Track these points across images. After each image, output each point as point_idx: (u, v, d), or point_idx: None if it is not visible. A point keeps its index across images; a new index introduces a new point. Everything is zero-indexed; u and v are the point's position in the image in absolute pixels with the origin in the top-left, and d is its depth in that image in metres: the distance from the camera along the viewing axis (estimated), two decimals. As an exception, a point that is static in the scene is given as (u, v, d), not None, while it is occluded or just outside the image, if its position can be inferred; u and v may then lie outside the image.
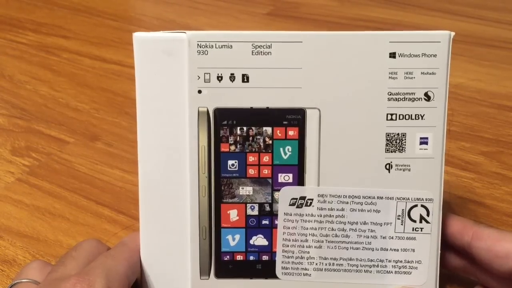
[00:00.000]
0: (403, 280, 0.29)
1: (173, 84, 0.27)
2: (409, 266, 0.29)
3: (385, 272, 0.29)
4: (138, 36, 0.28)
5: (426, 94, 0.28)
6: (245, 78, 0.27)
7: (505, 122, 0.48)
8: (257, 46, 0.27)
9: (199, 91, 0.27)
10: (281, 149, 0.28)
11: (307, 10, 0.73)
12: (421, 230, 0.28)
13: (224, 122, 0.27)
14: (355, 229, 0.28)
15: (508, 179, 0.41)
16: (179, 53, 0.27)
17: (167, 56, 0.27)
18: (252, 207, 0.28)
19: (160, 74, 0.27)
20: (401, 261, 0.29)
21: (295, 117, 0.28)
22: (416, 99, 0.28)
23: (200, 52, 0.27)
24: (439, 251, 0.28)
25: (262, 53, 0.27)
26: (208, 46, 0.27)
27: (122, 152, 0.45)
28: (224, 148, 0.28)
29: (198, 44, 0.27)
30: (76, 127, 0.49)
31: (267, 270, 0.29)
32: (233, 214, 0.28)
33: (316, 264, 0.29)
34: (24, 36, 0.67)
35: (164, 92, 0.28)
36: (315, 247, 0.29)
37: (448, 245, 0.29)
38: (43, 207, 0.39)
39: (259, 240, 0.29)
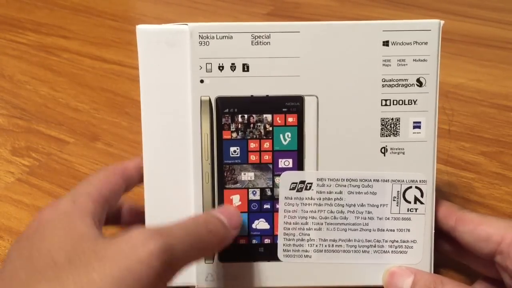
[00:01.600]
0: (400, 259, 0.30)
1: (175, 74, 0.28)
2: (405, 245, 0.30)
3: (382, 252, 0.30)
4: (141, 28, 0.28)
5: (418, 80, 0.29)
6: (245, 67, 0.28)
7: (505, 122, 0.48)
8: (256, 37, 0.28)
9: (201, 81, 0.28)
10: (281, 135, 0.29)
11: (307, 10, 0.73)
12: (416, 211, 0.29)
13: (226, 110, 0.28)
14: (353, 211, 0.30)
15: (508, 179, 0.41)
16: (181, 44, 0.28)
17: (169, 47, 0.28)
18: (254, 192, 0.29)
19: (163, 65, 0.28)
20: (397, 241, 0.30)
21: (294, 104, 0.29)
22: (409, 85, 0.29)
23: (201, 43, 0.27)
24: (433, 231, 0.29)
25: (261, 43, 0.28)
26: (209, 37, 0.27)
27: (122, 152, 0.45)
28: (226, 135, 0.29)
29: (199, 35, 0.27)
30: (76, 127, 0.49)
31: (269, 253, 0.30)
32: (236, 199, 0.29)
33: (316, 246, 0.30)
34: (24, 36, 0.67)
35: (167, 82, 0.28)
36: (315, 229, 0.30)
37: (436, 230, 0.30)
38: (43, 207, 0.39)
39: (261, 224, 0.30)
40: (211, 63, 0.28)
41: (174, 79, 0.28)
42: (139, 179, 0.30)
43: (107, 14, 0.74)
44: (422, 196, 0.29)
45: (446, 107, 0.50)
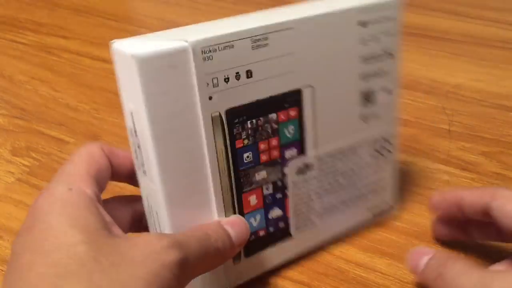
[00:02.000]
0: (376, 198, 0.36)
1: (182, 95, 0.26)
2: (381, 187, 0.36)
3: (365, 198, 0.35)
4: (140, 57, 0.24)
5: (389, 53, 0.33)
6: (249, 74, 0.28)
7: (505, 122, 0.48)
8: (255, 40, 0.27)
9: (210, 98, 0.27)
10: (285, 130, 0.30)
11: (307, 10, 0.73)
12: (387, 158, 0.35)
13: (236, 120, 0.28)
14: (344, 175, 0.34)
15: (508, 179, 0.41)
16: (184, 64, 0.26)
17: (172, 69, 0.25)
18: (267, 188, 0.31)
19: (169, 89, 0.26)
20: (374, 184, 0.36)
21: (294, 99, 0.30)
22: (383, 59, 0.32)
23: (205, 58, 0.26)
24: (397, 173, 0.37)
25: (261, 46, 0.28)
26: (212, 51, 0.26)
27: (122, 152, 0.45)
28: (239, 144, 0.29)
29: (202, 51, 0.26)
30: (76, 127, 0.49)
31: (284, 233, 0.33)
32: (253, 199, 0.30)
33: (319, 213, 0.34)
34: (24, 36, 0.67)
35: (175, 106, 0.26)
36: (317, 201, 0.33)
37: (469, 218, 0.31)
38: (43, 207, 0.39)
39: (275, 212, 0.32)
40: (217, 77, 0.27)
41: (181, 101, 0.26)
42: (127, 174, 0.29)
43: (107, 14, 0.74)
44: (390, 145, 0.35)
45: (446, 107, 0.50)
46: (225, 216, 0.29)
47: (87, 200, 0.24)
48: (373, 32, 0.31)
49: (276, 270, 0.33)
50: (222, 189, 0.29)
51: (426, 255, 0.29)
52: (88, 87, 0.56)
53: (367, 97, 0.33)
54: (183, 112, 0.26)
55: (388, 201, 0.37)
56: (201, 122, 0.27)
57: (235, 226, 0.28)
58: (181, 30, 0.27)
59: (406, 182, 0.41)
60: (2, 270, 0.34)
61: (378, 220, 0.37)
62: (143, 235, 0.24)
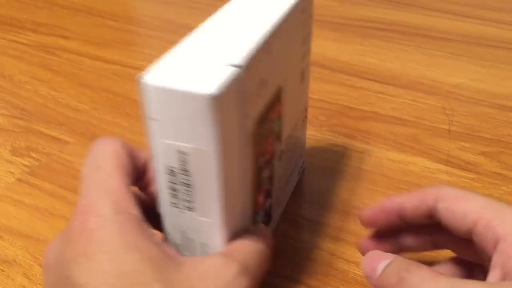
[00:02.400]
0: (300, 160, 0.40)
1: (240, 124, 0.24)
2: (302, 150, 0.40)
3: (297, 162, 0.39)
4: (211, 94, 0.20)
5: (310, 31, 0.35)
6: (263, 83, 0.27)
7: (505, 122, 0.48)
8: (265, 52, 0.26)
9: (246, 115, 0.25)
10: (276, 126, 0.31)
11: (307, 10, 0.73)
12: (305, 124, 0.40)
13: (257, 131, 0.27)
14: (293, 149, 0.37)
15: (508, 179, 0.41)
16: (239, 91, 0.23)
17: (234, 100, 0.23)
18: (267, 183, 0.31)
19: (232, 122, 0.23)
20: (301, 149, 0.40)
21: (278, 96, 0.30)
22: (308, 37, 0.35)
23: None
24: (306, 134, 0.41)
25: (266, 55, 0.27)
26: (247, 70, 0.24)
27: (122, 152, 0.45)
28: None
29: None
30: (76, 127, 0.49)
31: (267, 219, 0.34)
32: (261, 199, 0.30)
33: (283, 189, 0.36)
34: (24, 36, 0.67)
35: (235, 137, 0.24)
36: (282, 180, 0.35)
37: (410, 223, 0.29)
38: (43, 207, 0.39)
39: (268, 202, 0.32)
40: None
41: (240, 131, 0.24)
42: (142, 175, 0.28)
43: (107, 14, 0.74)
44: (306, 110, 0.39)
45: (446, 107, 0.50)
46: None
47: (140, 225, 0.23)
48: (306, 15, 0.33)
49: (276, 270, 0.33)
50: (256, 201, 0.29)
51: (385, 259, 0.26)
52: (88, 87, 0.56)
53: (302, 76, 0.35)
54: (240, 140, 0.24)
55: (304, 159, 0.41)
56: (249, 144, 0.25)
57: (266, 237, 0.27)
58: (191, 47, 0.25)
59: (406, 183, 0.41)
60: (2, 270, 0.34)
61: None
62: (208, 260, 0.23)
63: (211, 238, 0.26)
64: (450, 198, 0.27)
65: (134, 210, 0.23)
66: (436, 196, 0.27)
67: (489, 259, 0.25)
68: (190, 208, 0.25)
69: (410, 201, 0.29)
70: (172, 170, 0.24)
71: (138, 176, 0.27)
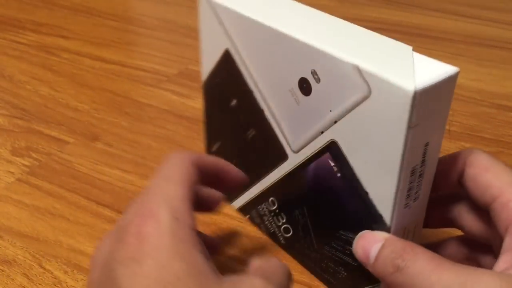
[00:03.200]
0: None
1: None
2: None
3: None
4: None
5: None
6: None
7: (505, 122, 0.48)
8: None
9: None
10: None
11: (307, 10, 0.73)
12: None
13: None
14: None
15: (508, 179, 0.41)
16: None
17: None
18: None
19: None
20: None
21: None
22: None
23: None
24: None
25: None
26: None
27: (122, 152, 0.45)
28: None
29: None
30: (76, 127, 0.49)
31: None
32: None
33: None
34: (24, 36, 0.67)
35: None
36: None
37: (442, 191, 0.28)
38: (43, 207, 0.39)
39: None
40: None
41: None
42: (216, 179, 0.28)
43: (107, 14, 0.74)
44: None
45: (446, 107, 0.50)
46: None
47: (194, 237, 0.23)
48: None
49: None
50: None
51: (376, 242, 0.24)
52: (88, 87, 0.56)
53: None
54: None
55: None
56: None
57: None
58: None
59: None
60: (2, 270, 0.34)
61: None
62: (248, 280, 0.22)
63: (419, 224, 0.27)
64: (478, 165, 0.25)
65: (191, 220, 0.23)
66: (467, 160, 0.26)
67: (499, 239, 0.24)
68: (415, 199, 0.25)
69: (445, 162, 0.27)
70: (414, 170, 0.24)
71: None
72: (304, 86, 0.26)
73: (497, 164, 0.25)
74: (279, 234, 0.34)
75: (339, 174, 0.27)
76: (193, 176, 0.25)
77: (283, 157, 0.30)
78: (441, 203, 0.28)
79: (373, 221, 0.26)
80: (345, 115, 0.25)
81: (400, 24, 0.69)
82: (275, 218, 0.34)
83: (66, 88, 0.55)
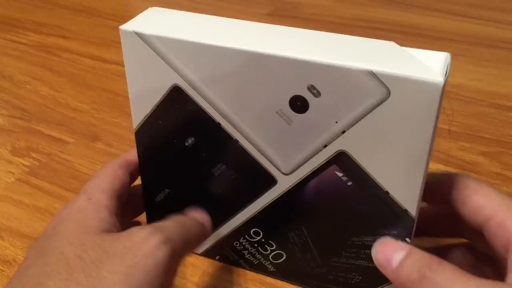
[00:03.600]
0: None
1: None
2: None
3: None
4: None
5: None
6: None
7: (505, 122, 0.48)
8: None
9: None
10: None
11: (307, 10, 0.73)
12: None
13: None
14: None
15: (508, 179, 0.41)
16: None
17: None
18: None
19: None
20: None
21: None
22: None
23: None
24: None
25: None
26: None
27: (122, 152, 0.45)
28: None
29: None
30: (76, 127, 0.49)
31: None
32: None
33: None
34: (24, 36, 0.67)
35: None
36: None
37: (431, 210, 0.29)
38: (43, 207, 0.39)
39: None
40: None
41: None
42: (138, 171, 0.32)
43: (107, 14, 0.74)
44: None
45: (446, 107, 0.50)
46: None
47: (101, 208, 0.26)
48: None
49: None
50: None
51: (400, 250, 0.25)
52: (88, 87, 0.56)
53: None
54: None
55: None
56: None
57: (197, 215, 0.30)
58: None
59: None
60: (2, 270, 0.34)
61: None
62: (140, 230, 0.25)
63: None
64: (467, 187, 0.26)
65: (107, 201, 0.27)
66: (454, 183, 0.27)
67: (500, 256, 0.25)
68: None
69: (434, 182, 0.27)
70: (429, 157, 0.25)
71: (135, 171, 0.32)
72: (298, 104, 0.25)
73: (485, 186, 0.26)
74: (267, 263, 0.33)
75: (349, 183, 0.27)
76: (119, 172, 0.30)
77: (270, 182, 0.29)
78: (441, 216, 0.30)
79: (396, 217, 0.26)
80: (356, 123, 0.24)
81: (400, 24, 0.69)
82: (259, 248, 0.32)
83: (66, 88, 0.55)
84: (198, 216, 0.30)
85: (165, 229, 0.25)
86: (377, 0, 0.77)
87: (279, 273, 0.33)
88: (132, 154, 0.31)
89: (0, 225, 0.38)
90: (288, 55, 0.24)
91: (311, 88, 0.25)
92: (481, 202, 0.26)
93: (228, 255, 0.34)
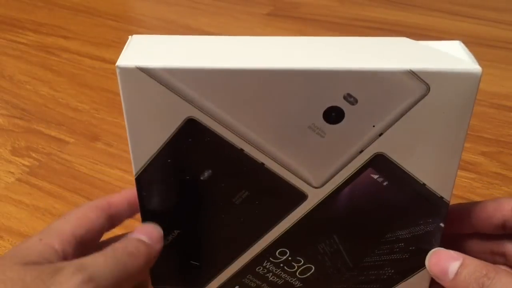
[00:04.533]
0: None
1: None
2: None
3: None
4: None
5: None
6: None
7: (505, 122, 0.48)
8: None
9: None
10: None
11: (307, 10, 0.73)
12: None
13: None
14: None
15: (508, 179, 0.41)
16: None
17: None
18: None
19: None
20: None
21: None
22: None
23: None
24: None
25: None
26: None
27: (122, 152, 0.45)
28: None
29: None
30: (76, 127, 0.49)
31: None
32: None
33: None
34: (24, 36, 0.67)
35: None
36: None
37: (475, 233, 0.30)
38: (43, 207, 0.39)
39: None
40: None
41: None
42: (129, 213, 0.29)
43: (107, 14, 0.74)
44: None
45: (446, 107, 0.50)
46: None
47: (48, 249, 0.25)
48: None
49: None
50: None
51: (454, 260, 0.26)
52: (88, 87, 0.56)
53: None
54: None
55: None
56: None
57: (141, 231, 0.28)
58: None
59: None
60: (2, 270, 0.34)
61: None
62: (65, 269, 0.24)
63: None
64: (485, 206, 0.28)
65: (57, 245, 0.26)
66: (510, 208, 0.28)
67: None
68: None
69: (484, 209, 0.28)
70: None
71: (117, 215, 0.29)
72: (333, 115, 0.25)
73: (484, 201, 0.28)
74: (293, 280, 0.31)
75: (386, 183, 0.27)
76: (91, 215, 0.28)
77: (299, 198, 0.28)
78: (488, 240, 0.30)
79: (432, 206, 0.27)
80: (394, 123, 0.25)
81: (400, 24, 0.69)
82: (285, 267, 0.30)
83: (66, 88, 0.55)
84: (143, 232, 0.28)
85: (90, 267, 0.24)
86: (377, 0, 0.77)
87: (307, 287, 0.31)
88: (116, 198, 0.29)
89: (0, 225, 0.38)
90: (321, 67, 0.23)
91: (347, 97, 0.24)
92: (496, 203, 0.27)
93: (249, 282, 0.31)
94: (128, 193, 0.30)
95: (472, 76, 0.23)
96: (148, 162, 0.27)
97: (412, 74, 0.23)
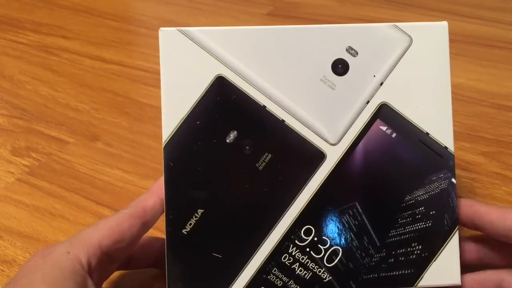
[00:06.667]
0: None
1: None
2: None
3: None
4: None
5: None
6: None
7: (505, 122, 0.48)
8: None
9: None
10: None
11: (307, 10, 0.73)
12: None
13: None
14: None
15: (508, 179, 0.41)
16: None
17: None
18: None
19: None
20: None
21: None
22: None
23: None
24: None
25: None
26: None
27: (122, 152, 0.45)
28: None
29: None
30: (76, 127, 0.49)
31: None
32: None
33: None
34: (24, 36, 0.67)
35: None
36: None
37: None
38: (43, 207, 0.39)
39: None
40: None
41: None
42: (163, 210, 0.29)
43: (107, 14, 0.74)
44: None
45: (446, 107, 0.50)
46: None
47: (76, 268, 0.25)
48: None
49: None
50: None
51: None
52: (88, 87, 0.56)
53: None
54: None
55: None
56: None
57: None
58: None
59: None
60: (2, 270, 0.34)
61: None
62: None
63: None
64: (494, 211, 0.28)
65: (84, 258, 0.26)
66: (473, 210, 0.28)
67: None
68: None
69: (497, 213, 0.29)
70: None
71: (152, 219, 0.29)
72: (340, 67, 0.30)
73: (496, 205, 0.29)
74: (321, 271, 0.30)
75: (394, 135, 0.30)
76: (123, 226, 0.28)
77: (319, 159, 0.29)
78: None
79: (440, 157, 0.30)
80: (391, 72, 0.30)
81: (400, 24, 0.69)
82: (311, 252, 0.30)
83: (66, 88, 0.55)
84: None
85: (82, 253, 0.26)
86: (377, 0, 0.77)
87: (336, 280, 0.30)
88: (149, 200, 0.29)
89: (0, 225, 0.38)
90: (325, 25, 0.29)
91: (349, 49, 0.30)
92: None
93: (275, 279, 0.30)
94: (158, 190, 0.29)
95: (440, 26, 0.33)
96: (178, 126, 0.30)
97: (396, 27, 0.30)
